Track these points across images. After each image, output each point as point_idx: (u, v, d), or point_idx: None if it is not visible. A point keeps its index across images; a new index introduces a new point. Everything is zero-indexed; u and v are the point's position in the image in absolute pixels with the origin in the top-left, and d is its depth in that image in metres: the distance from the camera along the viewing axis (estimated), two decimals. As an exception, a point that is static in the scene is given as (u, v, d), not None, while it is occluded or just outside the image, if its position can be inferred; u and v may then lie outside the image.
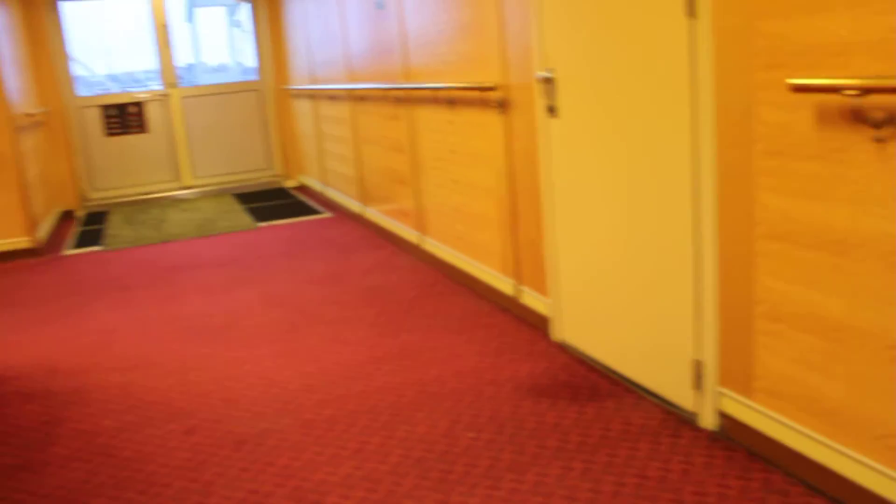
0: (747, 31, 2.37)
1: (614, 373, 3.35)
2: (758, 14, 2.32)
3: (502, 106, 4.01)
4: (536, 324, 4.00)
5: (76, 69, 9.39)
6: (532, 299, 4.02)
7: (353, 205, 7.15)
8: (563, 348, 3.70)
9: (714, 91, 2.53)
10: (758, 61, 2.35)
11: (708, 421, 2.82)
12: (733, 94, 2.46)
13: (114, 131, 9.33)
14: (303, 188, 9.40)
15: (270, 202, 8.67)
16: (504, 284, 4.29)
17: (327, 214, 7.63)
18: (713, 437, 2.77)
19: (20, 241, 6.72)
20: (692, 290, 2.78)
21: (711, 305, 2.71)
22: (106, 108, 9.29)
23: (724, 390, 2.73)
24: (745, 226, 2.51)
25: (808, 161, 2.24)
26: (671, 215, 2.83)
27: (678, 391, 2.95)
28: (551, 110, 3.46)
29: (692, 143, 2.66)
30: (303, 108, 8.77)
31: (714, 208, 2.62)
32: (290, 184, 9.72)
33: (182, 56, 9.85)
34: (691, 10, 2.55)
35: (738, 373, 2.66)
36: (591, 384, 3.29)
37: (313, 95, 8.11)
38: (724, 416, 2.76)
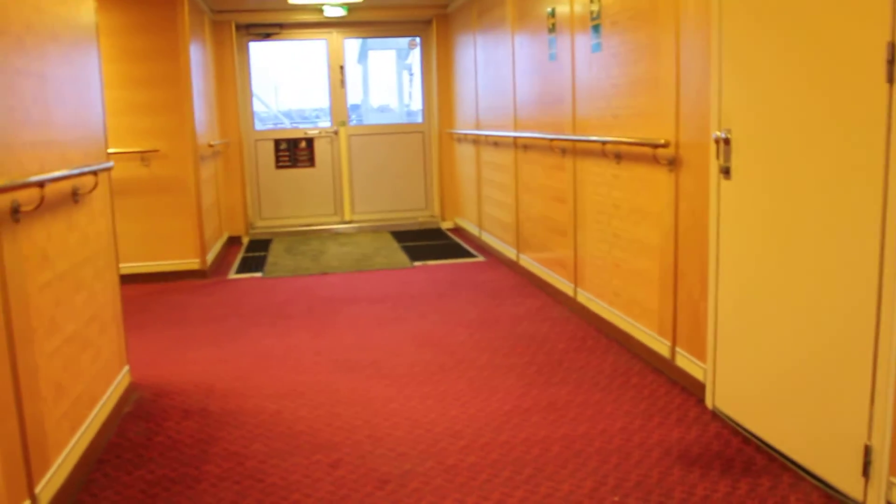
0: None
1: (771, 448, 3.16)
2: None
3: (672, 164, 3.92)
4: (690, 388, 3.85)
5: (255, 104, 9.92)
6: (687, 363, 3.87)
7: (509, 251, 7.16)
8: (717, 416, 3.53)
9: (908, 161, 2.38)
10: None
11: (877, 513, 2.62)
12: (930, 166, 2.31)
13: (283, 164, 9.77)
14: (458, 230, 9.51)
15: (426, 242, 8.81)
16: (659, 345, 4.16)
17: (481, 258, 7.67)
18: (882, 532, 2.56)
19: (191, 263, 7.11)
20: (869, 369, 2.60)
21: (889, 387, 2.52)
22: (278, 142, 9.75)
23: (898, 482, 2.53)
24: (934, 307, 2.33)
25: None
26: (850, 285, 2.66)
27: (843, 476, 2.75)
28: (725, 171, 3.35)
29: (881, 216, 2.50)
30: (465, 152, 8.90)
31: (900, 286, 2.45)
32: (446, 225, 9.86)
33: (352, 96, 10.22)
34: (891, 76, 2.41)
35: (915, 465, 2.46)
36: (746, 458, 3.12)
37: (477, 140, 8.22)
38: (897, 510, 2.55)
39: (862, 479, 2.66)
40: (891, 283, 2.48)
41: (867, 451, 2.63)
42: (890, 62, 2.42)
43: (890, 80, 2.42)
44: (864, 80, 2.53)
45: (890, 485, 2.56)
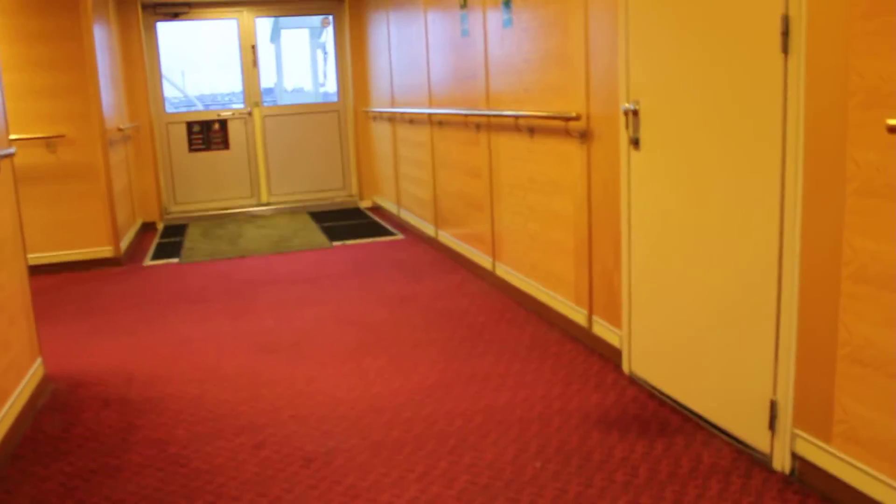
0: (843, 69, 2.32)
1: (685, 408, 3.28)
2: (855, 53, 2.27)
3: (584, 136, 4.00)
4: (607, 355, 3.95)
5: (168, 89, 9.69)
6: (604, 330, 3.98)
7: (427, 228, 7.20)
8: (634, 381, 3.64)
9: (805, 127, 2.48)
10: (853, 100, 2.29)
11: (781, 463, 2.74)
12: (826, 132, 2.41)
13: (197, 147, 9.58)
14: (377, 209, 9.50)
15: (345, 221, 8.77)
16: (576, 314, 4.26)
17: (400, 236, 7.69)
18: (786, 480, 2.69)
19: (104, 251, 6.94)
20: (773, 330, 2.71)
21: (791, 345, 2.64)
22: (191, 124, 9.55)
23: (800, 432, 2.65)
24: (831, 266, 2.44)
25: (901, 203, 2.17)
26: (753, 250, 2.77)
27: (751, 431, 2.87)
28: (635, 142, 3.44)
29: (780, 180, 2.60)
30: (381, 130, 8.88)
31: (799, 245, 2.56)
32: (364, 204, 9.84)
33: (266, 77, 10.08)
34: (785, 46, 2.51)
35: (815, 415, 2.58)
36: (662, 419, 3.23)
37: (392, 118, 8.21)
38: (799, 459, 2.68)
39: (769, 433, 2.79)
40: (790, 246, 2.59)
41: (773, 406, 2.75)
42: (784, 34, 2.51)
43: (784, 51, 2.52)
44: (761, 52, 2.62)
45: (794, 436, 2.68)
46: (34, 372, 3.85)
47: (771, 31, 2.57)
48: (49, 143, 6.64)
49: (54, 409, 3.74)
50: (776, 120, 2.59)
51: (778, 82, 2.57)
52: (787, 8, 2.50)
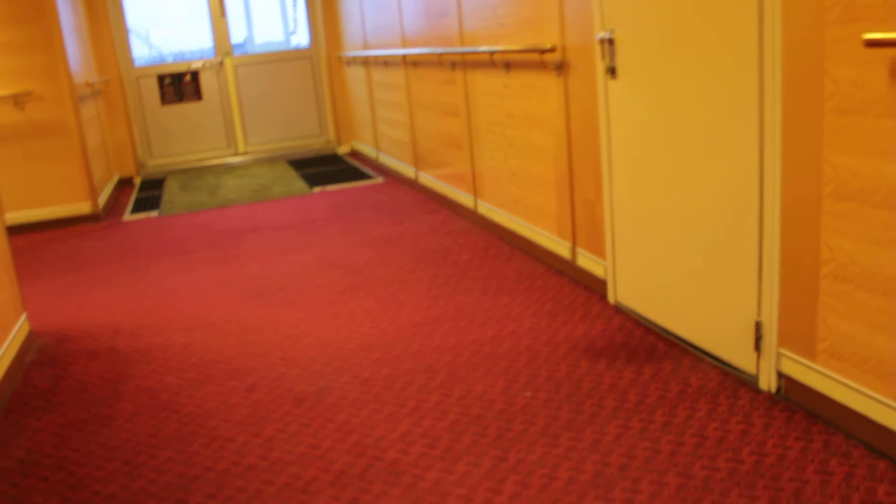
0: (817, -18, 2.31)
1: (671, 334, 3.32)
2: (828, -36, 2.26)
3: (560, 68, 3.97)
4: (592, 286, 3.98)
5: (133, 40, 9.51)
6: (588, 261, 4.00)
7: (407, 170, 7.17)
8: (620, 310, 3.68)
9: (783, 46, 2.47)
10: (830, 16, 2.28)
11: (767, 382, 2.79)
12: (803, 49, 2.40)
13: (169, 100, 9.45)
14: (356, 154, 9.44)
15: (324, 168, 8.72)
16: (560, 247, 4.28)
17: (380, 180, 7.66)
18: (773, 399, 2.74)
19: (82, 207, 6.87)
20: (755, 251, 2.74)
21: (774, 266, 2.67)
22: (162, 77, 9.41)
23: (785, 352, 2.70)
24: (812, 185, 2.46)
25: (881, 119, 2.18)
26: (735, 174, 2.78)
27: (737, 353, 2.92)
28: (611, 71, 3.42)
29: (758, 101, 2.60)
30: (356, 74, 8.78)
31: (780, 167, 2.57)
32: (343, 150, 9.77)
33: (235, 26, 9.90)
34: (758, -39, 2.49)
35: (799, 334, 2.62)
36: (649, 346, 3.27)
37: (366, 62, 8.11)
38: (785, 378, 2.73)
39: (754, 354, 2.83)
40: (771, 167, 2.60)
41: (758, 327, 2.79)
42: (760, -50, 2.49)
43: (760, -33, 2.50)
44: (737, -31, 2.60)
45: (779, 356, 2.73)
46: (19, 328, 3.84)
47: (746, -51, 2.54)
48: (17, 100, 6.53)
49: (42, 364, 3.74)
50: (753, 40, 2.58)
51: (754, 2, 2.55)
52: (761, -75, 2.47)
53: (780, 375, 2.75)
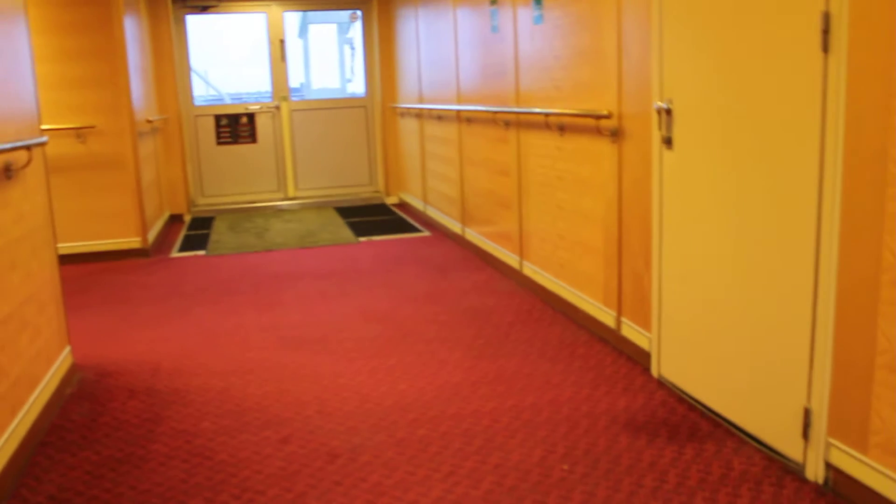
0: (885, 68, 2.27)
1: (716, 414, 3.23)
2: (898, 52, 2.22)
3: (615, 135, 3.95)
4: (636, 357, 3.91)
5: (194, 79, 9.73)
6: (633, 332, 3.93)
7: (454, 225, 7.17)
8: (663, 384, 3.60)
9: (845, 130, 2.43)
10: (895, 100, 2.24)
11: (815, 472, 2.69)
12: (867, 132, 2.36)
13: (224, 140, 9.61)
14: (403, 205, 9.48)
15: (371, 217, 8.77)
16: (605, 315, 4.22)
17: (426, 233, 7.67)
18: (819, 491, 2.64)
19: (132, 242, 6.98)
20: (808, 336, 2.66)
21: (827, 352, 2.59)
22: (219, 117, 9.59)
23: (835, 442, 2.60)
24: (870, 271, 2.39)
25: (946, 208, 2.12)
26: (790, 254, 2.72)
27: (784, 439, 2.82)
28: (667, 142, 3.39)
29: (818, 182, 2.55)
30: (409, 126, 8.87)
31: (837, 250, 2.51)
32: (390, 200, 9.82)
33: (293, 73, 10.11)
34: (826, 44, 2.46)
35: (851, 425, 2.53)
36: (691, 424, 3.19)
37: (420, 114, 8.19)
38: (833, 469, 2.63)
39: (802, 441, 2.74)
40: (828, 250, 2.54)
41: (806, 414, 2.71)
42: (825, 32, 2.46)
43: (825, 50, 2.47)
44: (801, 50, 2.57)
45: (828, 445, 2.63)
46: (63, 360, 3.87)
47: (811, 29, 2.51)
48: (79, 133, 6.69)
49: (82, 397, 3.75)
50: (815, 121, 2.54)
51: (817, 82, 2.51)
52: (827, 4, 2.45)
53: (829, 466, 2.65)
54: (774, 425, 2.87)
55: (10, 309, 3.19)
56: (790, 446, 2.80)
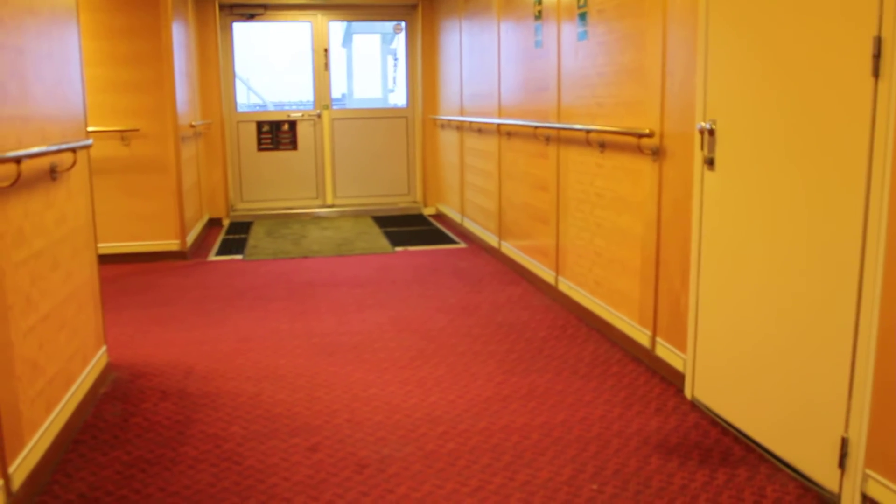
0: (936, 95, 2.22)
1: (749, 438, 3.18)
2: (950, 78, 2.17)
3: (656, 153, 3.92)
4: (669, 378, 3.86)
5: (238, 86, 9.84)
6: (667, 352, 3.89)
7: (490, 238, 7.16)
8: (696, 406, 3.55)
9: (894, 155, 2.38)
10: (946, 128, 2.19)
11: (851, 503, 2.64)
12: (914, 160, 2.31)
13: (265, 147, 9.70)
14: (440, 216, 9.49)
15: (408, 227, 8.78)
16: (639, 334, 4.18)
17: (463, 245, 7.66)
18: (856, 524, 2.58)
19: (171, 244, 7.06)
20: (847, 363, 2.61)
21: (867, 382, 2.53)
22: (261, 124, 9.68)
23: (872, 473, 2.54)
24: (914, 301, 2.34)
25: None
26: (832, 281, 2.67)
27: (819, 468, 2.77)
28: (709, 162, 3.35)
29: (863, 209, 2.50)
30: (448, 138, 8.88)
31: (881, 278, 2.46)
32: (428, 211, 9.84)
33: (337, 80, 10.19)
34: (876, 70, 2.42)
35: (890, 457, 2.47)
36: (724, 448, 3.14)
37: (460, 127, 8.20)
38: (870, 501, 2.57)
39: (838, 471, 2.68)
40: (871, 275, 2.49)
41: (844, 444, 2.65)
42: (876, 56, 2.42)
43: (875, 75, 2.43)
44: (850, 74, 2.53)
45: (865, 477, 2.57)
46: (98, 360, 3.91)
47: (861, 54, 2.47)
48: (124, 136, 6.79)
49: (115, 397, 3.79)
50: (862, 147, 2.49)
51: (866, 108, 2.47)
52: (880, 29, 2.40)
53: (865, 498, 2.59)
54: (810, 453, 2.82)
55: (49, 307, 3.23)
56: (826, 476, 2.74)
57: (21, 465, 2.78)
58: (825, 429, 2.73)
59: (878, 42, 2.41)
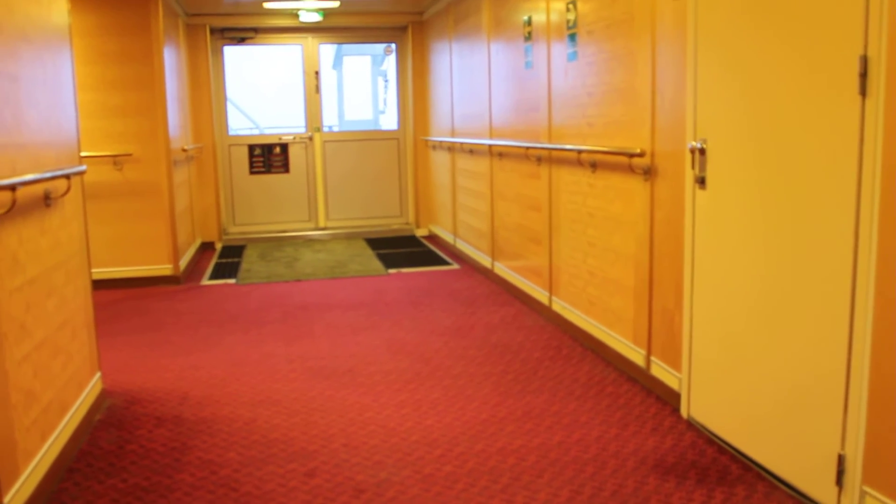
0: (924, 114, 2.25)
1: (746, 457, 3.18)
2: (938, 97, 2.20)
3: (648, 173, 3.95)
4: (665, 397, 3.87)
5: (230, 111, 9.87)
6: (662, 372, 3.89)
7: (483, 259, 7.17)
8: (692, 426, 3.55)
9: (882, 175, 2.41)
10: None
11: (849, 522, 2.64)
12: (904, 178, 2.33)
13: (257, 170, 9.71)
14: (433, 238, 9.50)
15: (401, 249, 8.79)
16: (634, 354, 4.18)
17: (456, 266, 7.67)
18: (855, 541, 2.58)
19: (164, 269, 7.05)
20: (842, 380, 2.62)
21: (862, 398, 2.54)
22: (252, 147, 9.70)
23: (870, 490, 2.55)
24: (907, 318, 2.35)
25: None
26: (825, 299, 2.68)
27: (816, 485, 2.77)
28: (700, 181, 3.37)
29: (853, 226, 2.53)
30: (440, 159, 8.91)
31: (873, 295, 2.47)
32: (420, 232, 9.85)
33: (328, 102, 10.22)
34: (863, 88, 2.44)
35: (887, 473, 2.48)
36: (721, 467, 3.14)
37: (452, 148, 8.23)
38: (869, 520, 2.58)
39: (835, 488, 2.69)
40: (863, 292, 2.50)
41: (840, 461, 2.66)
42: (862, 75, 2.45)
43: (862, 93, 2.45)
44: (838, 93, 2.56)
45: (863, 493, 2.58)
46: (93, 387, 3.90)
47: (848, 73, 2.50)
48: (116, 160, 6.80)
49: (110, 424, 3.77)
50: (851, 165, 2.52)
51: (854, 126, 2.50)
52: (866, 48, 2.43)
53: (863, 516, 2.60)
54: (807, 471, 2.82)
55: (44, 335, 3.23)
56: (823, 493, 2.74)
57: (17, 495, 2.76)
58: (822, 446, 2.74)
59: (865, 61, 2.44)
